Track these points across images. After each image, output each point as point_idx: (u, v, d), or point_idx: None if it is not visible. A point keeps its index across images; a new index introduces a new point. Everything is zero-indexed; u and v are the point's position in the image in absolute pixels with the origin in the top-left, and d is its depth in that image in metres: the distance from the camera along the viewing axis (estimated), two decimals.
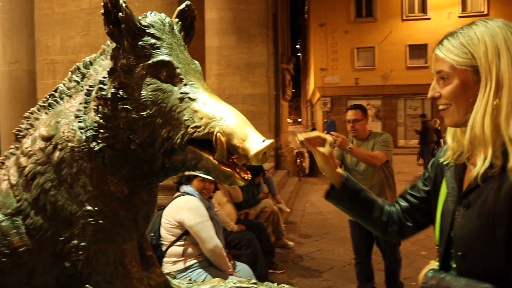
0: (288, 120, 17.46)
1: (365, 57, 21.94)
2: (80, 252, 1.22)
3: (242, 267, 3.34)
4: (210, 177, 3.01)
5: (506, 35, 1.00)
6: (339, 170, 1.37)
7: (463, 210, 1.07)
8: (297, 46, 41.10)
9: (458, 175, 1.13)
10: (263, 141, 1.02)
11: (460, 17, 20.21)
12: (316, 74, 23.46)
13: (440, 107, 1.13)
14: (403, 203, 1.36)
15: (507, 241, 0.96)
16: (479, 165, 1.01)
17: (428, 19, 20.84)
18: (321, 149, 1.31)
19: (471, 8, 20.46)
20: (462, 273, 1.06)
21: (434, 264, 1.17)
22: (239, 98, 9.34)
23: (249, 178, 1.10)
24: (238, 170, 1.09)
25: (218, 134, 1.02)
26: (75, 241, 1.22)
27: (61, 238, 1.24)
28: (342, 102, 22.03)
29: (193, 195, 3.08)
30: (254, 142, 1.01)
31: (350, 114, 3.62)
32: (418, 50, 20.80)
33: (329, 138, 1.33)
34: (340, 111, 22.14)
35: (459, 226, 1.08)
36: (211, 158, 1.07)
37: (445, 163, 1.19)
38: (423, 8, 21.15)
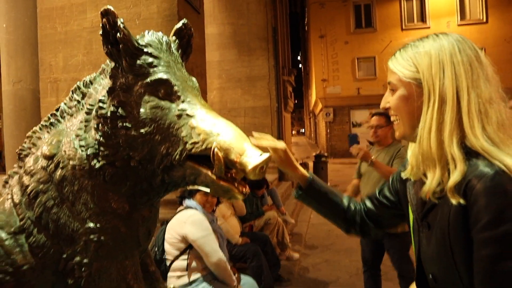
0: (292, 131, 17.48)
1: (366, 67, 22.03)
2: (83, 269, 1.23)
3: (247, 280, 3.32)
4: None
5: (453, 50, 0.98)
6: (303, 171, 1.39)
7: (425, 231, 1.04)
8: (298, 58, 41.35)
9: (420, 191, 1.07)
10: (260, 155, 1.03)
11: (459, 25, 20.33)
12: (317, 85, 23.55)
13: (392, 118, 1.12)
14: (370, 205, 1.38)
15: (467, 265, 0.91)
16: (428, 182, 0.97)
17: (428, 28, 20.92)
18: (275, 157, 1.32)
19: (469, 17, 20.55)
20: None
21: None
22: (241, 111, 9.39)
23: (248, 192, 1.12)
24: (236, 185, 1.10)
25: (216, 149, 1.04)
26: (77, 258, 1.23)
27: (64, 256, 1.25)
28: (345, 112, 22.07)
29: (196, 209, 3.09)
30: (252, 156, 1.03)
31: (374, 120, 3.65)
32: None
33: (280, 146, 1.33)
34: (342, 121, 22.17)
35: (424, 248, 1.05)
36: (209, 173, 1.09)
37: (404, 178, 1.16)
38: (422, 17, 21.27)
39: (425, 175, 1.01)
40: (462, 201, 0.90)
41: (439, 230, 0.97)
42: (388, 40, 21.18)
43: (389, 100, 1.10)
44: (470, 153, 0.93)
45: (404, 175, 1.15)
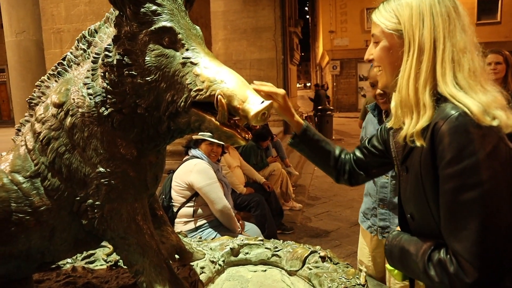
0: (297, 84, 17.34)
1: None
2: (96, 211, 1.30)
3: (250, 227, 3.47)
4: (215, 140, 3.09)
5: (433, 2, 1.02)
6: (299, 119, 1.46)
7: (404, 174, 1.11)
8: (306, 8, 40.00)
9: None
10: (262, 102, 1.07)
11: None
12: (325, 37, 22.96)
13: (375, 70, 1.17)
14: (359, 154, 1.45)
15: (437, 201, 0.99)
16: (406, 127, 1.03)
17: None
18: (274, 103, 1.39)
19: None
20: (415, 232, 1.12)
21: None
22: (247, 63, 9.29)
23: (250, 138, 1.16)
24: (239, 131, 1.14)
25: (219, 96, 1.07)
26: (90, 201, 1.30)
27: (77, 198, 1.32)
28: (352, 65, 21.68)
29: (202, 158, 3.17)
30: (254, 103, 1.06)
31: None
32: None
33: (280, 91, 1.38)
34: (349, 75, 21.84)
35: (403, 190, 1.14)
36: (213, 119, 1.12)
37: (388, 127, 1.22)
38: None
39: (404, 122, 1.07)
40: (424, 143, 0.98)
41: (414, 171, 1.05)
42: None
43: (372, 52, 1.15)
44: (440, 100, 0.99)
45: (388, 124, 1.21)
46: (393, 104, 1.16)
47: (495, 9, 20.05)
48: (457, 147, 0.92)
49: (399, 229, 1.21)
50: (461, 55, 1.00)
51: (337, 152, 1.49)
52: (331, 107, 12.78)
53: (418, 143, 0.99)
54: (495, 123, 0.92)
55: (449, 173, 0.94)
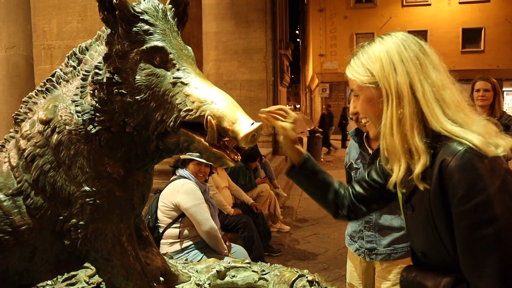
0: (287, 106, 17.49)
1: None
2: (79, 231, 1.27)
3: (237, 248, 3.41)
4: (204, 160, 3.08)
5: (400, 49, 1.05)
6: (300, 147, 1.42)
7: (409, 213, 1.11)
8: (297, 32, 40.72)
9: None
10: (252, 124, 1.07)
11: (460, 3, 20.09)
12: (314, 60, 23.33)
13: (363, 121, 1.20)
14: (359, 189, 1.40)
15: (450, 237, 0.99)
16: (395, 174, 1.05)
17: (429, 5, 20.66)
18: (283, 124, 1.37)
19: None
20: (429, 268, 1.11)
21: None
22: (237, 83, 9.34)
23: (239, 159, 1.16)
24: (228, 152, 1.14)
25: (209, 117, 1.07)
26: (74, 220, 1.27)
27: (61, 217, 1.29)
28: (341, 88, 21.95)
29: (189, 179, 3.14)
30: (244, 125, 1.06)
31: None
32: (418, 36, 20.62)
33: (292, 113, 1.38)
34: (338, 97, 22.10)
35: (410, 228, 1.15)
36: (202, 140, 1.12)
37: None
38: None
39: (392, 169, 1.08)
40: (427, 186, 0.99)
41: (423, 210, 1.04)
42: (388, 16, 20.91)
43: (355, 105, 1.18)
44: (439, 138, 1.00)
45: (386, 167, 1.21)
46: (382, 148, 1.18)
47: (478, 39, 20.72)
48: (468, 183, 0.93)
49: (411, 265, 1.19)
50: (443, 92, 1.02)
51: (336, 185, 1.43)
52: (320, 129, 12.82)
53: (421, 187, 1.00)
54: (500, 151, 0.94)
55: (463, 211, 0.94)
